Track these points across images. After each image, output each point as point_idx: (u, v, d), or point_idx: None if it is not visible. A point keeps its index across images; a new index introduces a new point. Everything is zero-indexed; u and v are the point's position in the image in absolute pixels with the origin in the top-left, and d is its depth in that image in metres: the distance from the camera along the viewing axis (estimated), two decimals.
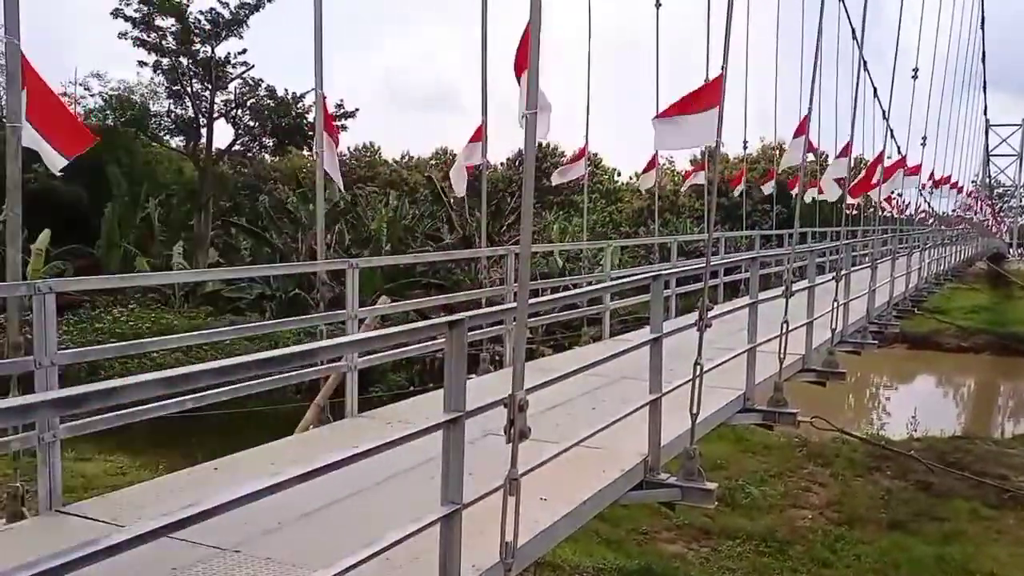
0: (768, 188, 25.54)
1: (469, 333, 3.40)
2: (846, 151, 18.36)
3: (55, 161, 5.61)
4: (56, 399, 2.12)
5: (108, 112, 30.31)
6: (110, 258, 24.85)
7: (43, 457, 4.52)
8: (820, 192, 22.96)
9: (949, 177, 34.87)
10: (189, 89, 29.00)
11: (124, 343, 6.74)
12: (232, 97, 29.84)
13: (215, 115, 29.45)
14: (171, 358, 15.35)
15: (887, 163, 18.75)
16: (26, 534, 4.35)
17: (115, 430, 5.17)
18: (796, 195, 11.46)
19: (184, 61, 28.41)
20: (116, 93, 30.54)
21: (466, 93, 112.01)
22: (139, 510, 4.46)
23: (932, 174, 28.83)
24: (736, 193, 24.38)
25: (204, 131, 29.73)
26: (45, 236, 22.12)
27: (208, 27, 28.05)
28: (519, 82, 9.24)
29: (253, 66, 29.23)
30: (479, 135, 10.47)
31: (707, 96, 6.76)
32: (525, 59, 8.40)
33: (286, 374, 6.26)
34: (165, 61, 28.25)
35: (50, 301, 4.44)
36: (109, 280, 12.07)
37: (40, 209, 22.39)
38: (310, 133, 26.37)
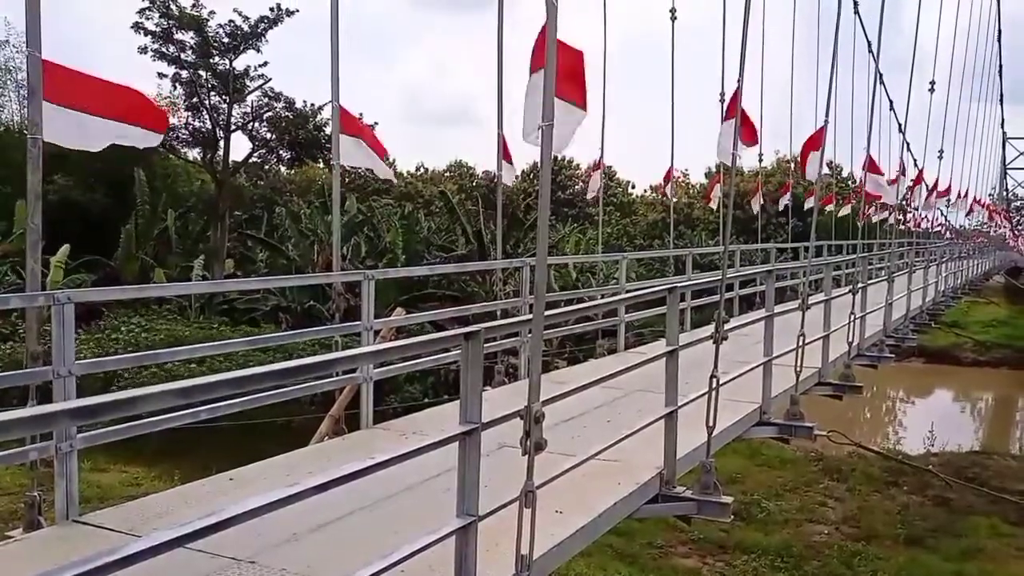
0: (784, 201, 25.42)
1: (484, 345, 3.40)
2: (874, 167, 18.20)
3: (148, 139, 5.70)
4: (75, 408, 2.13)
5: None
6: (127, 270, 25.05)
7: (60, 467, 4.54)
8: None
9: (967, 193, 34.65)
10: (207, 102, 29.21)
11: (140, 353, 6.81)
12: (250, 110, 30.03)
13: (232, 127, 29.64)
14: (185, 369, 15.42)
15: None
16: (43, 543, 4.36)
17: (130, 441, 5.19)
18: (812, 208, 11.42)
19: (203, 74, 28.62)
20: None
21: (482, 106, 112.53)
22: (155, 520, 4.47)
23: (949, 188, 28.66)
24: (755, 208, 24.28)
25: (221, 143, 29.91)
26: (64, 251, 22.37)
27: (227, 40, 28.28)
28: (528, 81, 8.75)
29: (271, 79, 29.45)
30: (507, 154, 10.53)
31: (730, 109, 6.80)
32: (541, 57, 8.28)
33: (301, 385, 6.28)
34: (184, 74, 28.47)
35: (68, 311, 4.47)
36: (126, 291, 12.17)
37: (64, 220, 22.70)
38: (327, 145, 26.50)
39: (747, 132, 14.43)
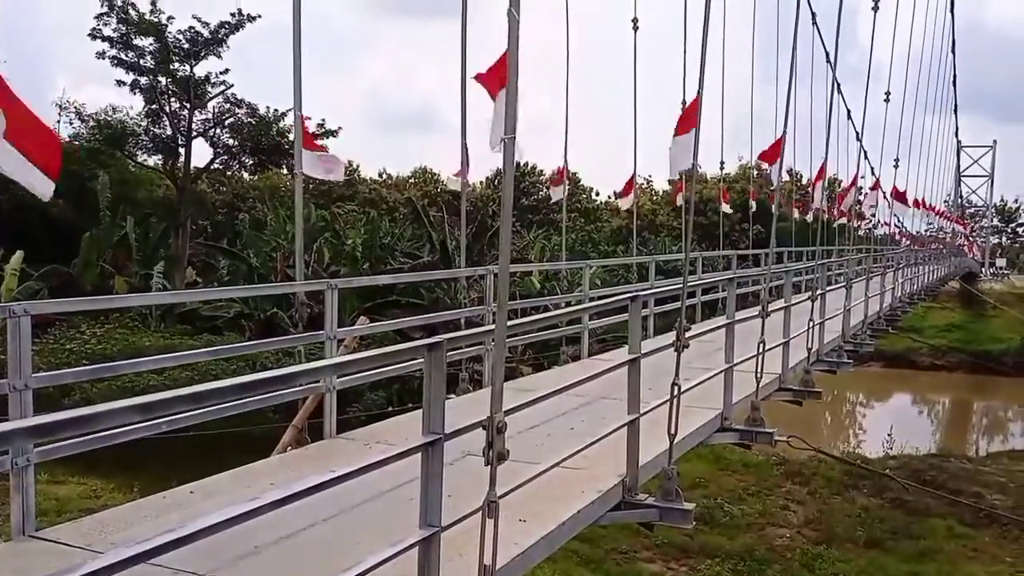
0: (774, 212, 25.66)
1: (448, 353, 3.40)
2: (821, 173, 18.63)
3: (44, 186, 5.47)
4: (31, 427, 2.10)
5: (92, 132, 29.99)
6: (86, 277, 24.64)
7: (16, 481, 4.45)
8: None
9: (924, 201, 35.30)
10: (167, 108, 28.87)
11: (98, 366, 6.69)
12: (211, 116, 29.73)
13: (193, 134, 29.32)
14: (144, 380, 15.17)
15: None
16: None
17: (88, 453, 5.11)
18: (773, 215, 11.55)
19: (162, 80, 28.28)
20: (95, 114, 30.24)
21: (446, 113, 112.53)
22: (114, 535, 4.40)
23: (904, 194, 29.17)
24: (727, 209, 24.63)
25: (182, 150, 29.58)
26: (18, 257, 21.98)
27: (187, 46, 27.98)
28: (494, 103, 9.21)
29: (232, 85, 29.19)
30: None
31: (687, 120, 6.86)
32: (498, 78, 8.52)
33: (263, 396, 6.21)
34: (143, 80, 28.11)
35: (25, 324, 4.38)
36: (81, 302, 11.86)
37: (24, 226, 22.36)
38: (290, 151, 26.32)
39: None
